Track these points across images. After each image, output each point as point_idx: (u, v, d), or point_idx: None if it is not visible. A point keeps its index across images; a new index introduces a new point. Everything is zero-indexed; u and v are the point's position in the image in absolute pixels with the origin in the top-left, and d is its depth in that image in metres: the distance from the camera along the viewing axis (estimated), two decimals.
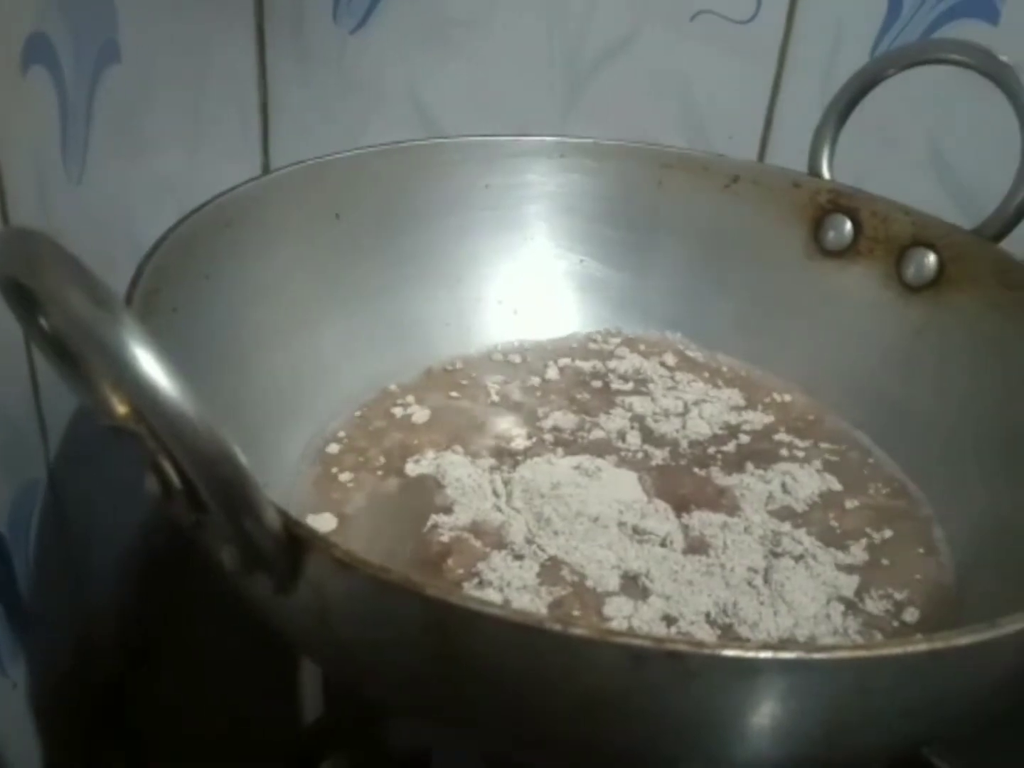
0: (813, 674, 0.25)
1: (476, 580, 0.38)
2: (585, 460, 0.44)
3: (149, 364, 0.23)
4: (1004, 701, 0.31)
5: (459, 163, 0.51)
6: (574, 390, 0.50)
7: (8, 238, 0.25)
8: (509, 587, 0.38)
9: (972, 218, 0.47)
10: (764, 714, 0.26)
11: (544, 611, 0.37)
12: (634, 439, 0.47)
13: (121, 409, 0.25)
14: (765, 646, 0.24)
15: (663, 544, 0.41)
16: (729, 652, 0.24)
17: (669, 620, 0.37)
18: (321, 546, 0.26)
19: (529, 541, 0.40)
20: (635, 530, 0.41)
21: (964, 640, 0.25)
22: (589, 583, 0.38)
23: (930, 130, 0.60)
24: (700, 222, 0.54)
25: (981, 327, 0.46)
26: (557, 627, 0.24)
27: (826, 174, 0.52)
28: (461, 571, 0.39)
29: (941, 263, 0.48)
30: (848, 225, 0.51)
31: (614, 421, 0.48)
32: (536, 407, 0.49)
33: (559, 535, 0.40)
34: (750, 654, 0.24)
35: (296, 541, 0.26)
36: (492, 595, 0.37)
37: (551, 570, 0.39)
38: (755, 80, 0.60)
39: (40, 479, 0.41)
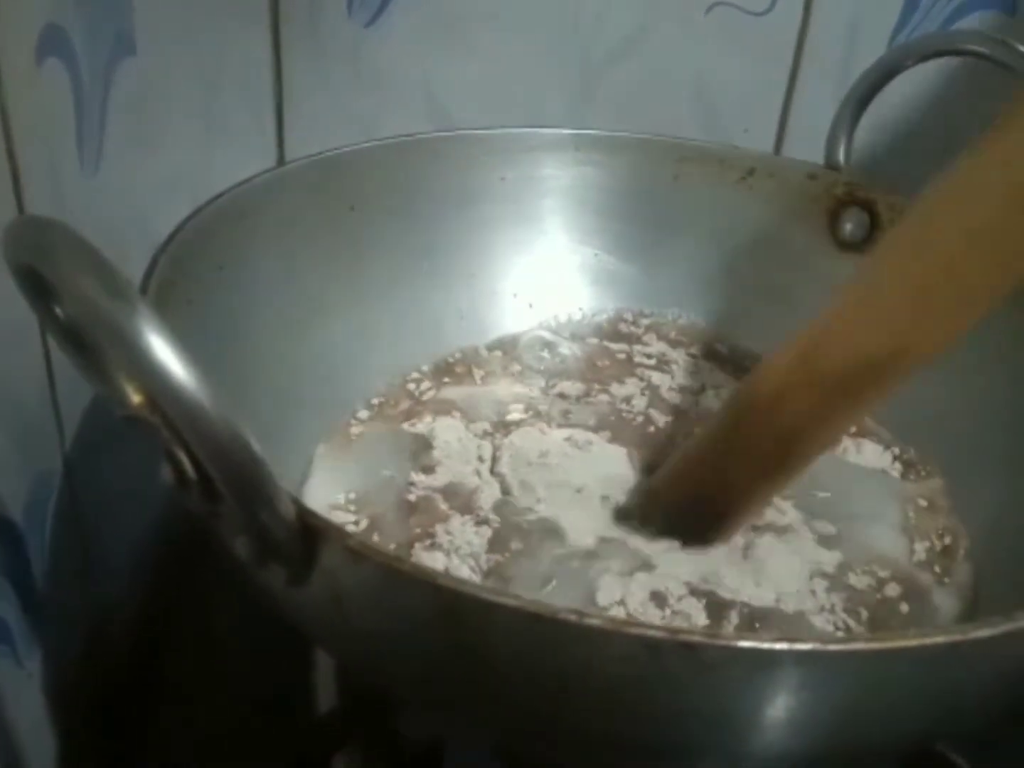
0: (828, 666, 0.25)
1: (429, 541, 0.39)
2: (577, 433, 0.45)
3: (164, 354, 0.23)
4: (1020, 696, 0.30)
5: (474, 156, 0.51)
6: (595, 359, 0.51)
7: (24, 226, 0.25)
8: (457, 552, 0.38)
9: None
10: (779, 705, 0.26)
11: (478, 579, 0.37)
12: (640, 403, 0.47)
13: (136, 399, 0.25)
14: (781, 638, 0.24)
15: None
16: (744, 644, 0.24)
17: (658, 599, 0.37)
18: (335, 535, 0.26)
19: (497, 509, 0.41)
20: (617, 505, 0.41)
21: (981, 633, 0.25)
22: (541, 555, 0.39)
23: (948, 122, 0.59)
24: (715, 215, 0.53)
25: (998, 320, 0.46)
26: (571, 617, 0.24)
27: (843, 166, 0.51)
28: (418, 530, 0.39)
29: None
30: (865, 218, 0.50)
31: (626, 388, 0.49)
32: (550, 377, 0.50)
33: (541, 502, 0.41)
34: (765, 645, 0.24)
35: (310, 530, 0.26)
36: (439, 558, 0.38)
37: (503, 539, 0.39)
38: (771, 72, 0.60)
39: (55, 469, 0.42)
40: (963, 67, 0.49)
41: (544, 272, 0.54)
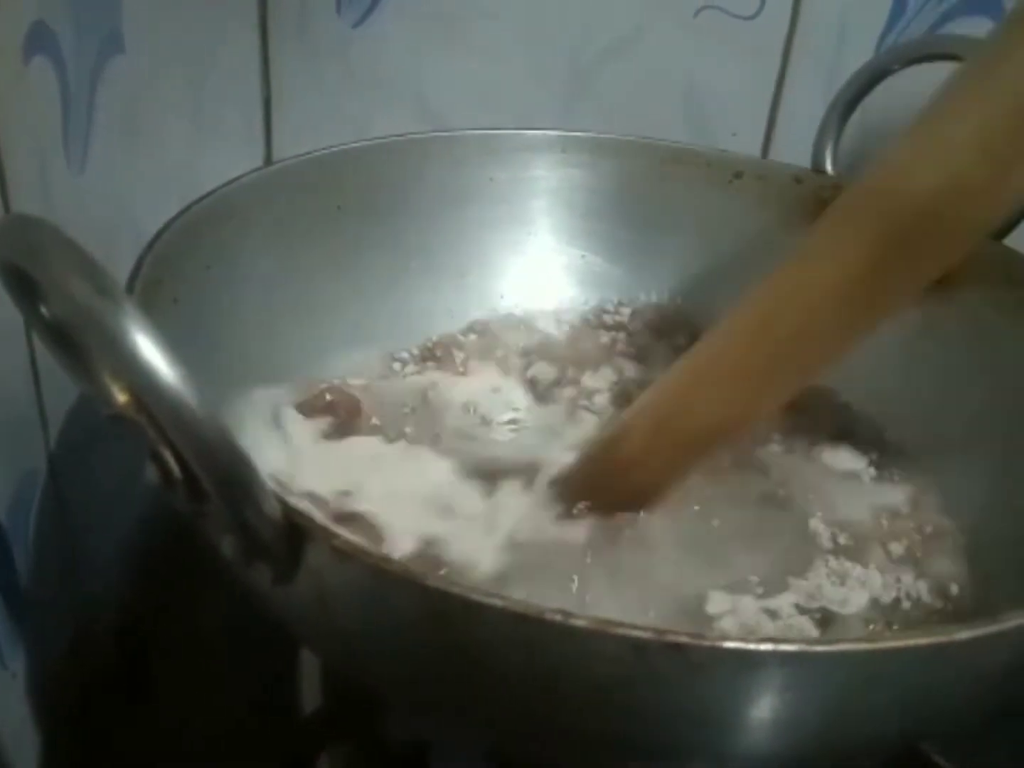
0: (814, 667, 0.25)
1: None
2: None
3: (150, 352, 0.23)
4: (1004, 697, 0.31)
5: (462, 156, 0.51)
6: (576, 343, 0.52)
7: (10, 225, 0.25)
8: None
9: None
10: (765, 706, 0.26)
11: None
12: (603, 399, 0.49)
13: (121, 398, 0.25)
14: (767, 639, 0.24)
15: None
16: (730, 644, 0.24)
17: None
18: (321, 535, 0.26)
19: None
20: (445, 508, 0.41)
21: (965, 635, 0.25)
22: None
23: None
24: (703, 218, 0.53)
25: (986, 324, 0.46)
26: (557, 618, 0.24)
27: (830, 170, 0.51)
28: None
29: None
30: None
31: (596, 380, 0.50)
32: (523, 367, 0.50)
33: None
34: (751, 646, 0.24)
35: (296, 530, 0.26)
36: None
37: None
38: (759, 76, 0.60)
39: (40, 469, 0.41)
40: (950, 72, 0.49)
41: (532, 272, 0.54)
